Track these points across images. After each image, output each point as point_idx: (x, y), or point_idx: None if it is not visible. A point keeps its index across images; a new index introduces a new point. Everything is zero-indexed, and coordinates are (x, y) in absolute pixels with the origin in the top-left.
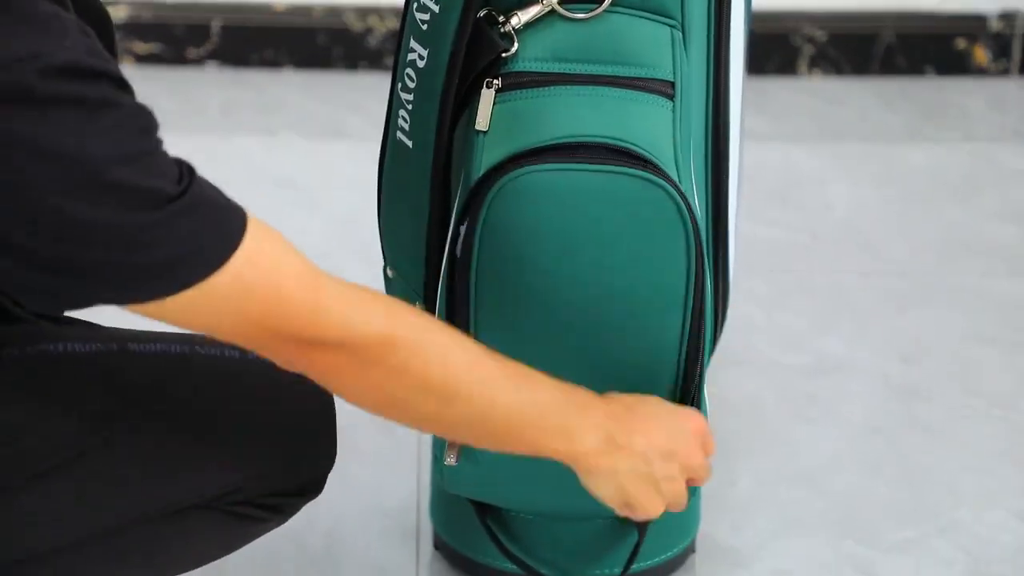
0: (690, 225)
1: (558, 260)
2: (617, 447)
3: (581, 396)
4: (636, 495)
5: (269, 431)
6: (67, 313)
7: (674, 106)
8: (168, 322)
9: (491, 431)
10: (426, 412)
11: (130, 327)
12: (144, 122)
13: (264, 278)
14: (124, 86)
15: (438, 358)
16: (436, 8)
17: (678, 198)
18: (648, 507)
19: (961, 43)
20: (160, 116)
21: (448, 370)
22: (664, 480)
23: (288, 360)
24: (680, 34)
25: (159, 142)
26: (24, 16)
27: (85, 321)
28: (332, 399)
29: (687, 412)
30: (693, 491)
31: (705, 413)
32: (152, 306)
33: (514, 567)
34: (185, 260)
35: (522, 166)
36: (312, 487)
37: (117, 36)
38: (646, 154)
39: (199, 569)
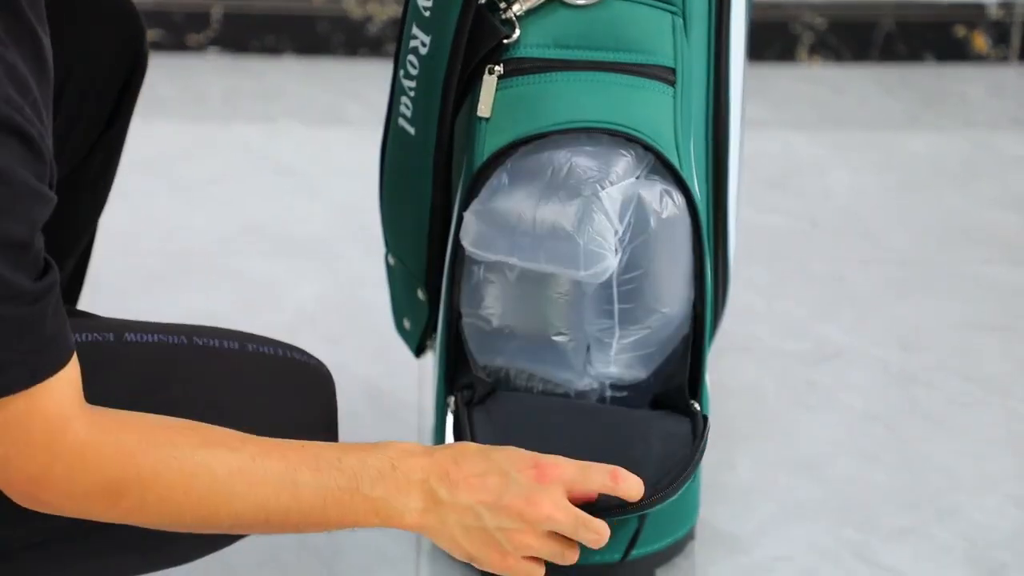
0: (688, 212)
1: None
2: (440, 503)
3: (391, 457)
4: (473, 550)
5: (268, 423)
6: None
7: (675, 92)
8: None
9: (281, 525)
10: (203, 525)
11: (126, 317)
12: (32, 210)
13: (23, 425)
14: (31, 145)
15: (180, 486)
16: None
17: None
18: (492, 561)
19: (960, 30)
20: (160, 103)
21: (192, 495)
22: (500, 531)
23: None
24: (681, 21)
25: (38, 236)
26: None
27: (81, 311)
28: (333, 390)
29: (530, 462)
30: (692, 479)
31: (706, 400)
32: None
33: None
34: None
35: None
36: None
37: None
38: (647, 140)
39: (202, 559)
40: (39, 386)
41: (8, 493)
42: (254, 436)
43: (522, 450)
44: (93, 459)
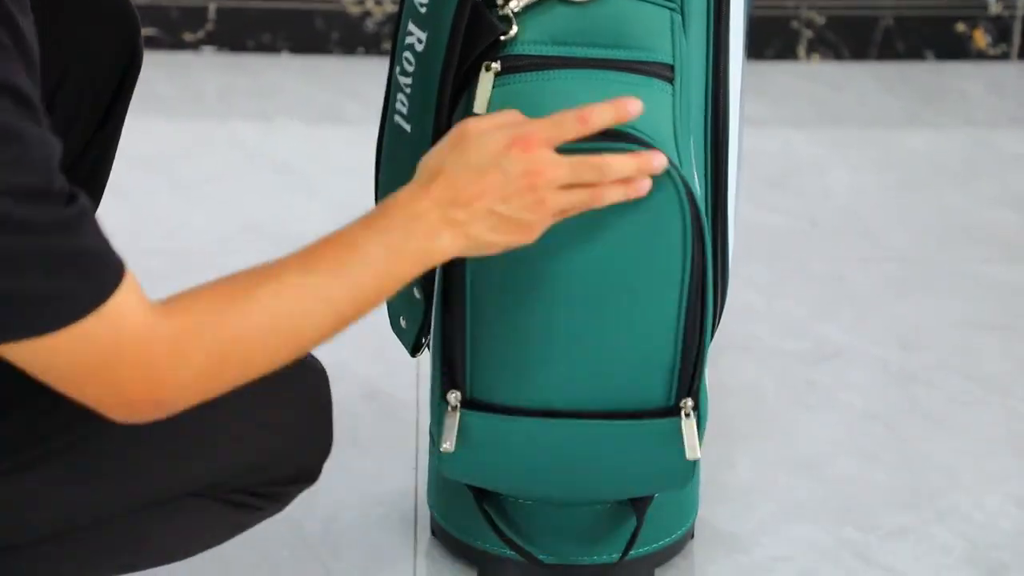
0: (688, 207)
1: (555, 241)
2: (461, 223)
3: (403, 211)
4: (508, 239)
5: (264, 419)
6: None
7: (674, 90)
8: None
9: (356, 314)
10: (299, 350)
11: None
12: (45, 154)
13: (113, 342)
14: (28, 104)
15: (266, 331)
16: None
17: (677, 180)
18: (527, 235)
19: (961, 27)
20: (157, 101)
21: (281, 332)
22: (521, 211)
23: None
24: (680, 18)
25: (57, 175)
26: None
27: None
28: (328, 387)
29: (505, 142)
30: (690, 478)
31: (704, 399)
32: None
33: (512, 553)
34: (47, 303)
35: None
36: (308, 475)
37: None
38: (646, 137)
39: (200, 558)
40: (110, 303)
41: (133, 416)
42: (285, 259)
43: (484, 126)
44: (186, 347)
